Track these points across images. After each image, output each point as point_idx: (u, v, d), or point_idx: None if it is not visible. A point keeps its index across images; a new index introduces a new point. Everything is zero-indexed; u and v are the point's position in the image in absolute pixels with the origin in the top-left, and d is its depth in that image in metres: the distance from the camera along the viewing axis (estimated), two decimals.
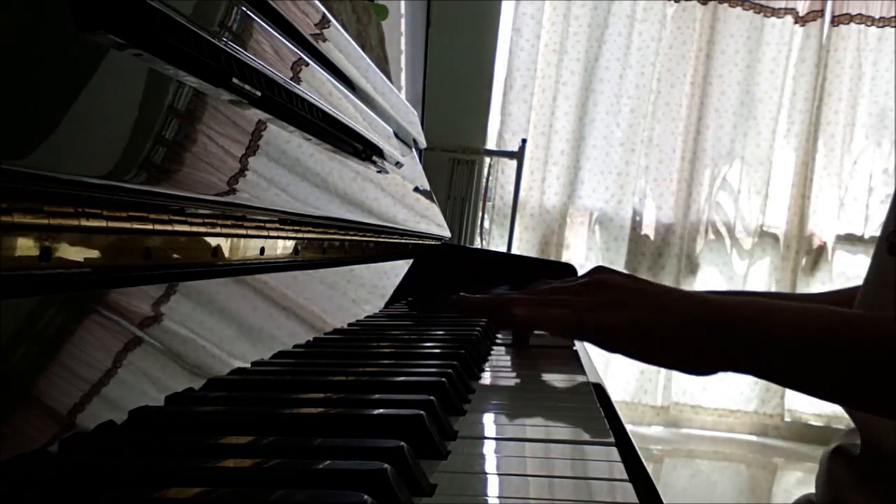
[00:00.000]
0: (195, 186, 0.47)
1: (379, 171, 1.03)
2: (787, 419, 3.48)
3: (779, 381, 0.65)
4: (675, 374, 3.43)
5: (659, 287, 0.67)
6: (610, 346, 0.64)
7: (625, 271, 0.70)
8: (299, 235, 0.73)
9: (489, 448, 0.43)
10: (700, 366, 0.62)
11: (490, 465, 0.41)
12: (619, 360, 3.39)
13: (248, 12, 0.61)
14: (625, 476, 0.38)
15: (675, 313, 0.62)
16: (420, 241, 1.25)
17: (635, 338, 0.63)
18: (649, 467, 0.48)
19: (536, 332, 0.88)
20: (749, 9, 3.43)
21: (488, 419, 0.50)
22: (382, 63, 1.40)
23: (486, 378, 0.65)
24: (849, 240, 3.47)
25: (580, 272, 1.10)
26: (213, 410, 0.43)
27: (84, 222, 0.38)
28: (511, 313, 0.71)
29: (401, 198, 1.13)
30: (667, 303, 0.64)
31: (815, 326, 0.60)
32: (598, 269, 0.71)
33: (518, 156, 3.21)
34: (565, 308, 0.67)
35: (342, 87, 0.88)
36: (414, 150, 1.47)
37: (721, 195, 3.49)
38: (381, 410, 0.41)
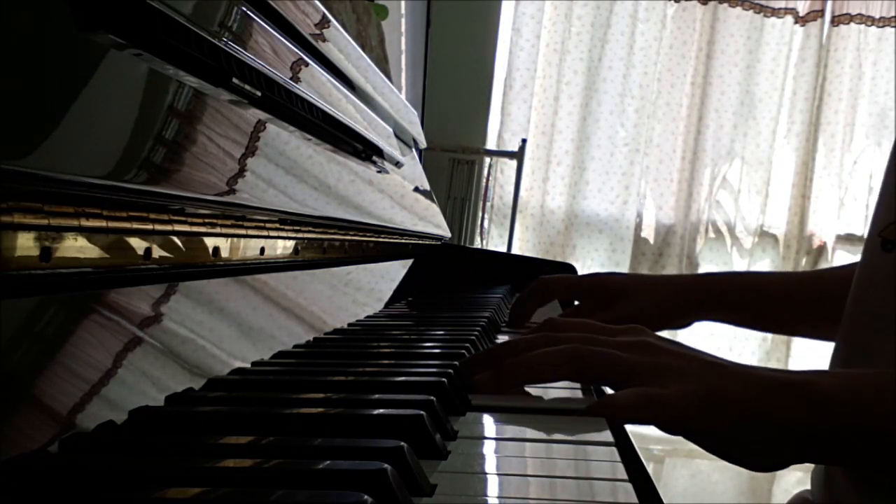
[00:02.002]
0: (195, 186, 0.47)
1: (379, 171, 1.03)
2: None
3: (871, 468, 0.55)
4: None
5: (714, 358, 0.53)
6: (660, 424, 0.50)
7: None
8: (299, 235, 0.73)
9: (489, 448, 0.43)
10: (772, 461, 0.50)
11: (490, 465, 0.41)
12: None
13: (248, 12, 0.61)
14: (625, 476, 0.38)
15: (758, 390, 0.50)
16: (420, 241, 1.25)
17: (697, 418, 0.49)
18: (649, 467, 0.48)
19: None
20: (749, 9, 3.43)
21: (488, 419, 0.50)
22: (382, 63, 1.40)
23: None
24: (849, 240, 3.47)
25: (582, 273, 1.10)
26: (213, 410, 0.43)
27: (84, 222, 0.38)
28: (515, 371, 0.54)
29: (401, 198, 1.13)
30: (744, 376, 0.51)
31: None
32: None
33: (518, 156, 3.21)
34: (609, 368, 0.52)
35: (342, 87, 0.88)
36: (414, 150, 1.47)
37: (721, 195, 3.49)
38: (381, 410, 0.41)
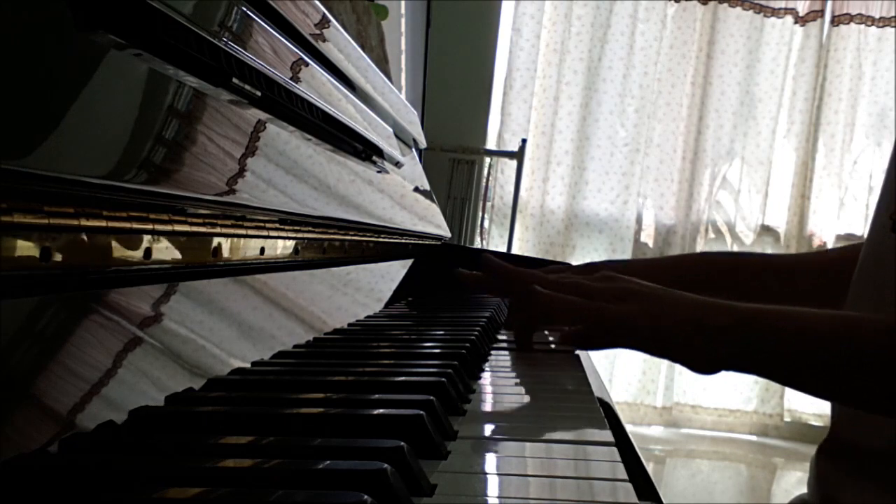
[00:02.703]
0: (195, 186, 0.47)
1: (379, 171, 1.03)
2: (787, 419, 3.48)
3: (780, 382, 0.67)
4: (676, 375, 3.44)
5: (675, 292, 0.68)
6: (624, 339, 0.66)
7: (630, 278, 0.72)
8: (299, 235, 0.73)
9: (489, 448, 0.43)
10: (705, 366, 0.63)
11: (490, 465, 0.41)
12: (621, 361, 3.40)
13: (248, 12, 0.61)
14: (625, 476, 0.38)
15: (691, 316, 0.64)
16: (420, 241, 1.25)
17: (649, 334, 0.64)
18: (649, 467, 0.48)
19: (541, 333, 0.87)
20: (749, 9, 3.43)
21: (488, 419, 0.50)
22: (382, 63, 1.40)
23: (487, 378, 0.65)
24: (849, 239, 3.47)
25: None
26: (213, 410, 0.43)
27: (84, 222, 0.38)
28: (529, 290, 0.71)
29: (401, 198, 1.13)
30: (684, 306, 0.65)
31: (820, 332, 0.61)
32: (612, 274, 0.73)
33: (518, 156, 3.21)
34: (584, 296, 0.68)
35: (342, 87, 0.88)
36: (414, 150, 1.47)
37: (721, 195, 3.49)
38: (381, 410, 0.41)
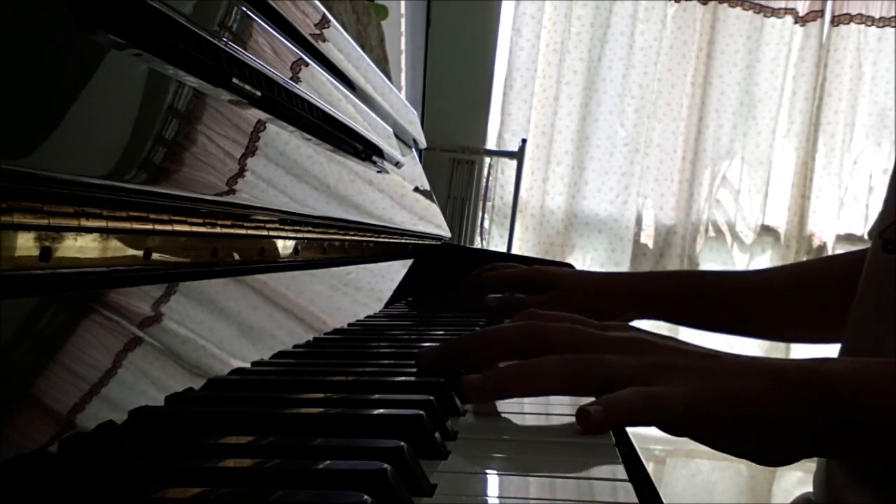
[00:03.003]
0: (195, 186, 0.47)
1: (379, 172, 1.03)
2: None
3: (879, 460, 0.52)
4: None
5: (713, 352, 0.51)
6: (664, 424, 0.47)
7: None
8: (299, 235, 0.73)
9: (489, 448, 0.43)
10: (779, 455, 0.48)
11: (490, 464, 0.41)
12: None
13: (248, 12, 0.61)
14: (625, 476, 0.38)
15: (762, 385, 0.47)
16: (420, 241, 1.25)
17: (702, 417, 0.46)
18: (649, 467, 0.48)
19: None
20: (749, 9, 3.43)
21: (489, 419, 0.50)
22: (382, 63, 1.40)
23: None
24: (849, 239, 3.47)
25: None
26: (213, 410, 0.43)
27: (84, 222, 0.38)
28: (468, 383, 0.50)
29: (401, 198, 1.13)
30: (747, 370, 0.48)
31: None
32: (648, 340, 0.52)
33: (518, 156, 3.21)
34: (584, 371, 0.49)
35: (342, 88, 0.88)
36: (414, 150, 1.47)
37: (721, 195, 3.49)
38: (381, 410, 0.41)
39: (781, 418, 0.46)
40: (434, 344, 0.58)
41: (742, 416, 0.46)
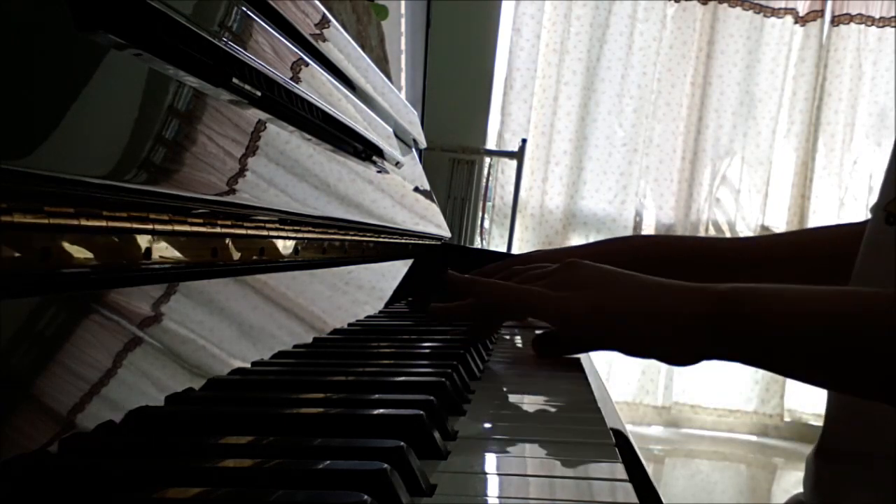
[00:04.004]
0: (195, 186, 0.47)
1: (379, 171, 1.03)
2: (787, 419, 3.48)
3: (771, 370, 0.59)
4: (676, 374, 3.45)
5: (635, 275, 0.61)
6: (569, 329, 0.61)
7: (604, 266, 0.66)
8: (299, 235, 0.73)
9: (489, 448, 0.43)
10: (682, 359, 0.57)
11: (490, 465, 0.41)
12: (621, 360, 3.40)
13: (248, 12, 0.61)
14: (625, 476, 0.38)
15: (661, 304, 0.57)
16: (420, 242, 1.25)
17: (601, 323, 0.58)
18: (649, 467, 0.48)
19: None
20: (749, 9, 3.43)
21: (488, 419, 0.50)
22: (382, 63, 1.40)
23: (487, 378, 0.65)
24: None
25: None
26: (213, 410, 0.43)
27: (84, 222, 0.38)
28: (472, 292, 0.70)
29: (401, 198, 1.13)
30: (649, 291, 0.58)
31: (821, 315, 0.54)
32: (571, 260, 0.67)
33: (518, 156, 3.21)
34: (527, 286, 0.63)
35: (342, 87, 0.88)
36: (414, 150, 1.47)
37: (721, 194, 3.49)
38: (381, 410, 0.41)
39: (673, 321, 0.56)
40: (435, 339, 0.72)
41: (636, 319, 0.57)
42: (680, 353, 0.57)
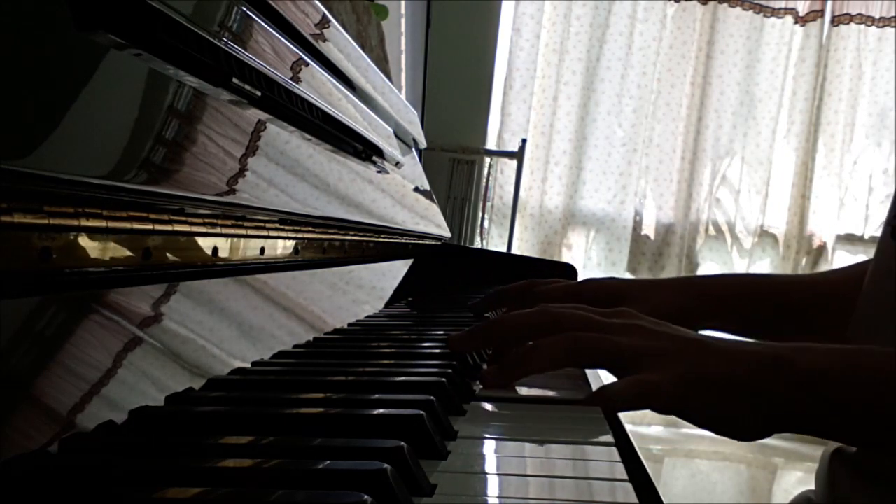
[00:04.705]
0: (195, 186, 0.47)
1: (379, 171, 1.03)
2: None
3: (854, 442, 0.57)
4: None
5: (704, 337, 0.57)
6: (656, 407, 0.52)
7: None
8: (299, 235, 0.73)
9: (489, 448, 0.43)
10: (756, 432, 0.54)
11: (490, 465, 0.41)
12: None
13: (248, 12, 0.61)
14: (625, 476, 0.38)
15: (742, 369, 0.53)
16: (420, 241, 1.25)
17: (689, 398, 0.52)
18: (649, 467, 0.48)
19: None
20: (749, 9, 3.43)
21: (488, 419, 0.50)
22: (382, 63, 1.40)
23: None
24: (849, 240, 3.47)
25: (581, 273, 1.10)
26: (213, 410, 0.43)
27: (84, 222, 0.38)
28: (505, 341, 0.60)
29: (401, 198, 1.13)
30: (729, 355, 0.54)
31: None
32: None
33: (518, 156, 3.21)
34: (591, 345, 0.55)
35: (342, 87, 0.88)
36: (414, 150, 1.47)
37: (721, 195, 3.49)
38: (381, 410, 0.41)
39: (755, 402, 0.52)
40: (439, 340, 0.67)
41: (721, 400, 0.52)
42: (758, 428, 0.54)
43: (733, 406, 0.52)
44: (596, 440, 0.45)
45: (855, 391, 0.52)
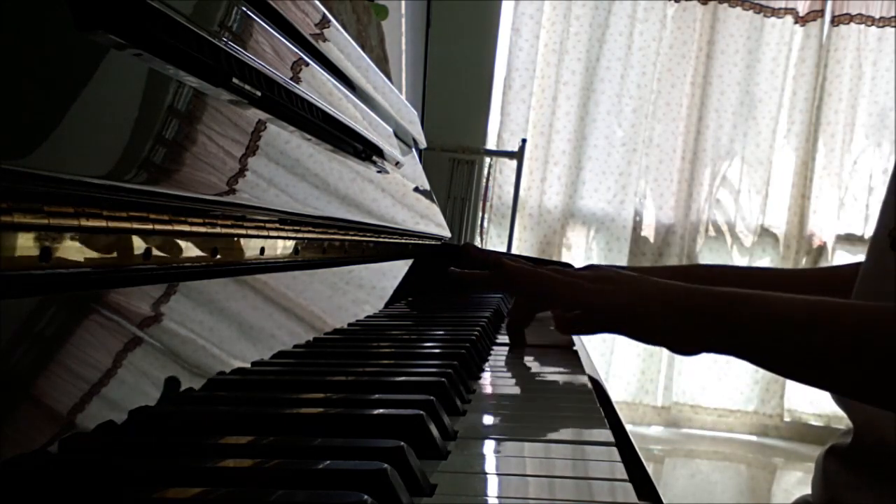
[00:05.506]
0: (195, 186, 0.47)
1: (379, 171, 1.03)
2: (787, 419, 3.48)
3: (763, 366, 0.66)
4: (676, 375, 3.44)
5: (654, 279, 0.70)
6: (600, 321, 0.68)
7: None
8: (299, 235, 0.73)
9: (489, 448, 0.43)
10: (684, 347, 0.65)
11: (490, 465, 0.41)
12: (620, 360, 3.40)
13: (248, 12, 0.61)
14: (625, 476, 0.38)
15: (669, 300, 0.66)
16: (420, 241, 1.25)
17: (628, 314, 0.67)
18: (649, 467, 0.48)
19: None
20: (749, 9, 3.43)
21: (488, 419, 0.50)
22: (382, 63, 1.40)
23: (487, 378, 0.65)
24: (849, 240, 3.47)
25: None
26: (213, 410, 0.43)
27: (84, 222, 0.38)
28: (504, 269, 0.75)
29: (401, 198, 1.13)
30: (662, 289, 0.67)
31: (799, 316, 0.61)
32: (594, 266, 0.76)
33: (518, 156, 3.21)
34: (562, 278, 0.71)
35: (342, 87, 0.88)
36: (414, 150, 1.47)
37: (721, 195, 3.49)
38: (381, 410, 0.41)
39: (684, 326, 0.65)
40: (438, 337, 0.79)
41: (650, 318, 0.65)
42: (683, 343, 0.65)
43: (666, 323, 0.65)
44: (596, 440, 0.45)
45: (744, 319, 0.62)
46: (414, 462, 0.34)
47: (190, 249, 0.51)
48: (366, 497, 0.28)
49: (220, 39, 0.54)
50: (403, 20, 2.35)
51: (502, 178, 3.35)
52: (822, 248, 3.49)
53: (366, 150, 0.97)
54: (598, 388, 0.64)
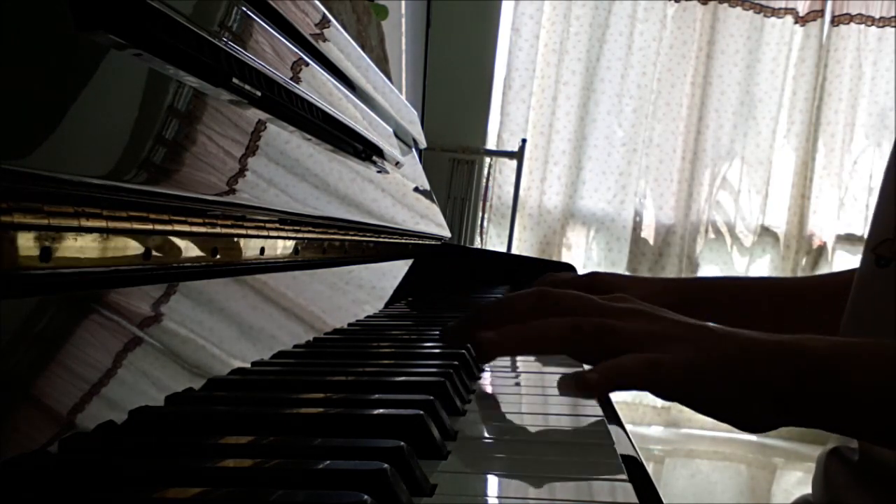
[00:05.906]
0: (195, 186, 0.47)
1: (379, 171, 1.03)
2: None
3: (867, 437, 0.55)
4: None
5: (709, 325, 0.54)
6: (659, 389, 0.51)
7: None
8: (299, 235, 0.73)
9: (489, 448, 0.43)
10: (759, 419, 0.50)
11: (490, 465, 0.41)
12: None
13: (248, 12, 0.61)
14: (625, 476, 0.38)
15: (752, 357, 0.50)
16: (420, 241, 1.25)
17: (695, 383, 0.50)
18: (649, 467, 0.48)
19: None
20: (749, 9, 3.43)
21: (488, 419, 0.50)
22: (382, 63, 1.40)
23: (487, 378, 0.65)
24: (849, 240, 3.47)
25: (581, 272, 1.10)
26: (213, 410, 0.43)
27: (84, 222, 0.38)
28: (487, 340, 0.54)
29: (401, 198, 1.13)
30: (739, 343, 0.51)
31: None
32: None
33: (518, 156, 3.21)
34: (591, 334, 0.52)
35: (342, 87, 0.88)
36: (414, 150, 1.47)
37: (721, 195, 3.49)
38: (381, 410, 0.41)
39: (762, 392, 0.49)
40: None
41: (731, 384, 0.49)
42: (764, 423, 0.51)
43: (738, 392, 0.49)
44: (596, 440, 0.45)
45: (862, 377, 0.49)
46: (414, 462, 0.34)
47: (190, 249, 0.51)
48: (366, 497, 0.28)
49: (220, 39, 0.54)
50: (403, 20, 2.35)
51: (502, 178, 3.35)
52: (822, 249, 3.49)
53: (366, 150, 0.97)
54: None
